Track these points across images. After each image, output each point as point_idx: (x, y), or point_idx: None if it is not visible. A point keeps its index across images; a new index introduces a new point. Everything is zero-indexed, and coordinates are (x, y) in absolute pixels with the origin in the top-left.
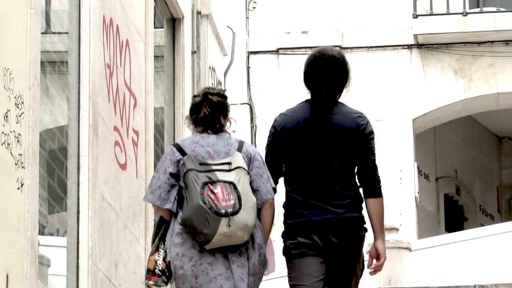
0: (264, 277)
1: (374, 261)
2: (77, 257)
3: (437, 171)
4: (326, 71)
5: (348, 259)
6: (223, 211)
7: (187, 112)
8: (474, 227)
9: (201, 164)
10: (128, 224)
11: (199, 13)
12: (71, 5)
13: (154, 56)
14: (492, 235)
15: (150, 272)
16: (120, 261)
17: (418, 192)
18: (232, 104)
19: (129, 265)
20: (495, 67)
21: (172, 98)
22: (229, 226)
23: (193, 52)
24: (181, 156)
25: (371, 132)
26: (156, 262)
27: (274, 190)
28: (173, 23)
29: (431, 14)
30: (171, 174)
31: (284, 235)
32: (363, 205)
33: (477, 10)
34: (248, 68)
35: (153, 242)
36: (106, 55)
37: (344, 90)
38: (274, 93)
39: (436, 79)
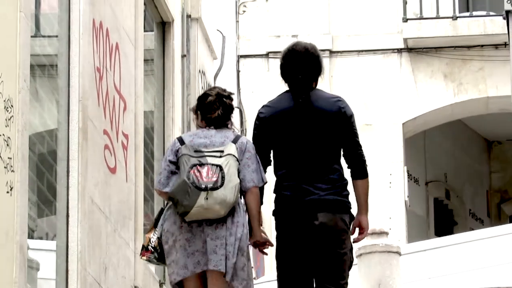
0: (255, 281)
1: (357, 231)
2: (67, 261)
3: (427, 175)
4: (300, 61)
5: (331, 240)
6: (203, 186)
7: (177, 115)
8: (464, 231)
9: (195, 151)
10: (118, 228)
11: (189, 16)
12: (61, 8)
13: (144, 60)
14: (481, 239)
15: (144, 249)
16: (110, 265)
17: (408, 196)
18: None
19: (119, 269)
20: (485, 71)
21: (162, 102)
22: (207, 199)
23: (183, 56)
24: (180, 146)
25: (352, 115)
26: (150, 239)
27: (263, 181)
28: (163, 26)
29: (421, 18)
30: (171, 162)
31: (274, 214)
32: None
33: (467, 14)
34: (238, 72)
35: (153, 223)
36: (96, 58)
37: (319, 79)
38: (264, 97)
39: (425, 83)
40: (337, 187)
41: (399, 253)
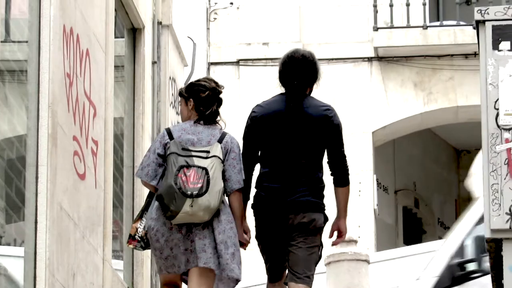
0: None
1: (335, 234)
2: (35, 267)
3: (396, 183)
4: (298, 67)
5: (304, 236)
6: (189, 192)
7: (147, 122)
8: (433, 239)
9: (183, 149)
10: (86, 235)
11: (160, 23)
12: (31, 14)
13: (114, 66)
14: None
15: (131, 237)
16: (78, 271)
17: (377, 205)
18: None
19: (87, 275)
20: (455, 80)
21: (132, 108)
22: (192, 206)
23: (154, 63)
24: (169, 140)
25: (339, 124)
26: (137, 229)
27: (244, 182)
28: (134, 33)
29: (391, 27)
30: (159, 155)
31: (253, 208)
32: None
33: (437, 23)
34: None
35: (139, 213)
36: (66, 64)
37: (315, 86)
38: (234, 104)
39: (396, 92)
40: (312, 189)
41: (367, 261)
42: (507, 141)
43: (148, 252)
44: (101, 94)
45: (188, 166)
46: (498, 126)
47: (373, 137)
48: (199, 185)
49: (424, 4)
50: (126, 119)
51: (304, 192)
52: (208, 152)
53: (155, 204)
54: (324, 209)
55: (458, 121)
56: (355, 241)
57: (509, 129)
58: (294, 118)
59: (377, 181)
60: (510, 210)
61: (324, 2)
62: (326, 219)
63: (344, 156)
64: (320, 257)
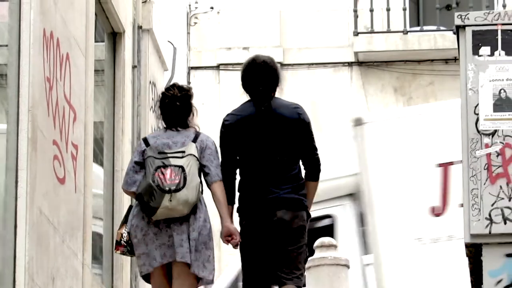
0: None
1: None
2: (14, 271)
3: None
4: (260, 73)
5: (289, 235)
6: (167, 188)
7: (127, 126)
8: None
9: (159, 152)
10: (66, 239)
11: (140, 27)
12: (11, 17)
13: (95, 70)
14: None
15: (117, 243)
16: (57, 275)
17: None
18: None
19: (66, 280)
20: (435, 85)
21: (112, 113)
22: (171, 201)
23: (134, 67)
24: (146, 147)
25: (309, 121)
26: (122, 235)
27: (227, 187)
28: (114, 37)
29: (372, 32)
30: (136, 163)
31: (238, 212)
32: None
33: (417, 28)
34: (188, 83)
35: (123, 220)
36: (46, 68)
37: (278, 89)
38: (214, 108)
39: (376, 97)
40: (295, 186)
41: (347, 266)
42: (487, 146)
43: (127, 256)
44: (81, 98)
45: (165, 166)
46: (478, 131)
47: None
48: (177, 181)
49: (404, 9)
50: (106, 123)
51: (286, 189)
52: (183, 152)
53: (134, 204)
54: (307, 206)
55: None
56: (335, 246)
57: (489, 134)
58: (267, 120)
59: None
60: (489, 215)
61: (305, 7)
62: (308, 215)
63: (317, 150)
64: (307, 254)
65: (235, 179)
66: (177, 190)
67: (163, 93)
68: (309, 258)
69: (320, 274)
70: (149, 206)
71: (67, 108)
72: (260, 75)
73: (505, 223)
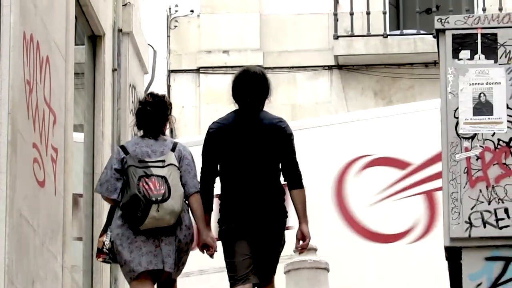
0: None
1: (300, 242)
2: None
3: None
4: (250, 85)
5: (271, 240)
6: (154, 198)
7: (107, 129)
8: None
9: (140, 161)
10: (46, 242)
11: (120, 30)
12: None
13: (75, 73)
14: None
15: (99, 251)
16: (37, 278)
17: None
18: None
19: (46, 282)
20: (415, 89)
21: (92, 116)
22: (158, 211)
23: (114, 70)
24: (125, 155)
25: (291, 134)
26: (104, 243)
27: (205, 194)
28: (94, 40)
29: (352, 36)
30: (116, 170)
31: (219, 222)
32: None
33: (397, 32)
34: (168, 86)
35: (103, 228)
36: (26, 71)
37: (266, 101)
38: (194, 111)
39: (356, 100)
40: (276, 195)
41: (327, 270)
42: (466, 149)
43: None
44: (61, 101)
45: (148, 176)
46: (458, 135)
47: None
48: (162, 191)
49: (384, 13)
50: (86, 126)
51: (267, 196)
52: (163, 161)
53: (118, 213)
54: (287, 212)
55: None
56: (315, 249)
57: (468, 138)
58: (250, 131)
59: None
60: (469, 218)
61: (285, 10)
62: (286, 217)
63: (297, 163)
64: (280, 254)
65: (214, 187)
66: (164, 200)
67: (138, 101)
68: (289, 262)
69: (300, 278)
70: (137, 217)
71: (47, 111)
72: (250, 86)
73: (484, 226)
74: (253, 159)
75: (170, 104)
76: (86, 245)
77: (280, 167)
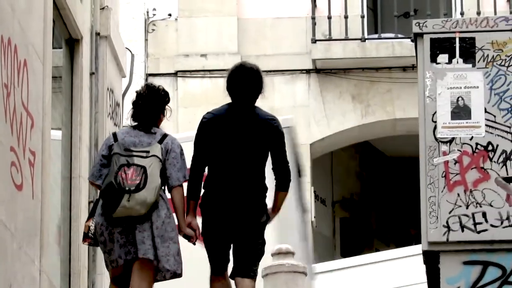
0: None
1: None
2: None
3: (334, 195)
4: (244, 79)
5: (250, 234)
6: (127, 188)
7: (84, 133)
8: (370, 252)
9: (125, 149)
10: (23, 245)
11: (98, 34)
12: None
13: (52, 77)
14: (387, 261)
15: (85, 236)
16: (14, 282)
17: (314, 217)
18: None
19: (24, 286)
20: (393, 93)
21: (69, 119)
22: (129, 201)
23: (92, 73)
24: (113, 142)
25: (283, 133)
26: (89, 228)
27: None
28: (72, 43)
29: (330, 39)
30: (103, 156)
31: (201, 206)
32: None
33: (375, 36)
34: None
35: (89, 212)
36: (4, 75)
37: (260, 96)
38: (172, 115)
39: (333, 104)
40: (257, 189)
41: (305, 274)
42: (444, 154)
43: (84, 263)
44: (38, 105)
45: (129, 165)
46: (436, 139)
47: (311, 149)
48: (137, 182)
49: (362, 17)
50: (64, 130)
51: (250, 191)
52: (148, 152)
53: (100, 201)
54: (267, 207)
55: (395, 133)
56: (292, 253)
57: (446, 142)
58: (242, 125)
59: (315, 193)
60: (447, 222)
61: (263, 14)
62: (267, 216)
63: (287, 163)
64: (263, 252)
65: (202, 175)
66: (137, 190)
67: (135, 92)
68: (267, 265)
69: (277, 282)
70: (109, 204)
71: (25, 115)
72: (244, 81)
73: (462, 230)
74: (242, 152)
75: (166, 94)
76: (64, 248)
77: (265, 163)
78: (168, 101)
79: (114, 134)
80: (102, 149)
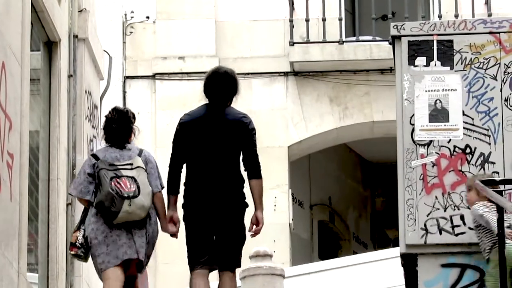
0: None
1: (254, 226)
2: None
3: (312, 198)
4: (219, 83)
5: (232, 225)
6: (126, 195)
7: (62, 135)
8: (348, 254)
9: (110, 165)
10: (1, 248)
11: (76, 36)
12: None
13: (30, 79)
14: (365, 263)
15: (72, 245)
16: None
17: (292, 219)
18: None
19: None
20: (370, 95)
21: (47, 122)
22: (130, 206)
23: (70, 76)
24: (96, 161)
25: (254, 129)
26: (77, 237)
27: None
28: (50, 46)
29: (308, 42)
30: (89, 174)
31: (183, 206)
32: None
33: (353, 39)
34: (124, 92)
35: (77, 225)
36: None
37: (234, 98)
38: (150, 118)
39: (311, 107)
40: (235, 182)
41: (283, 276)
42: (422, 156)
43: (63, 265)
44: (16, 107)
45: (118, 177)
46: (414, 142)
47: (289, 151)
48: (133, 189)
49: (340, 19)
50: (42, 132)
51: (228, 184)
52: (131, 164)
53: (92, 211)
54: (245, 198)
55: (373, 136)
56: (270, 256)
57: (424, 145)
58: (217, 124)
59: (293, 196)
60: (425, 225)
61: (240, 16)
62: (246, 205)
63: (257, 155)
64: (245, 237)
65: (181, 171)
66: (135, 196)
67: (105, 117)
68: (245, 268)
69: (255, 284)
70: (111, 211)
71: (3, 117)
72: (220, 83)
73: (440, 233)
74: (218, 150)
75: (134, 116)
76: (42, 250)
77: (239, 157)
78: (134, 120)
79: (94, 155)
80: (85, 168)
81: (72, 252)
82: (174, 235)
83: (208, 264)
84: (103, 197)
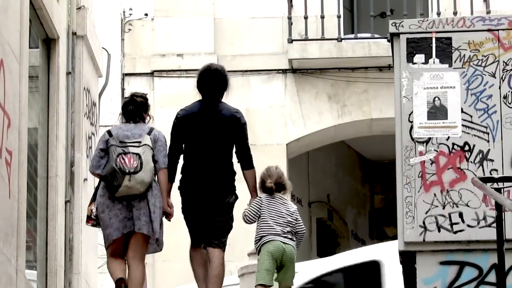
0: None
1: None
2: None
3: (310, 196)
4: (211, 79)
5: (220, 211)
6: (127, 170)
7: (61, 132)
8: None
9: (120, 142)
10: (0, 245)
11: (74, 34)
12: None
13: (29, 77)
14: None
15: (88, 218)
16: None
17: None
18: (106, 126)
19: (0, 285)
20: (369, 93)
21: (46, 119)
22: (130, 181)
23: (68, 73)
24: (109, 137)
25: (245, 123)
26: (92, 210)
27: (170, 168)
28: (48, 43)
29: (306, 39)
30: (101, 149)
31: (180, 193)
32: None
33: (352, 36)
34: (122, 90)
35: (91, 198)
36: None
37: (225, 94)
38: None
39: (310, 104)
40: (227, 174)
41: None
42: (421, 154)
43: (61, 262)
44: (15, 105)
45: (125, 153)
46: (412, 139)
47: (287, 149)
48: (135, 165)
49: (338, 17)
50: (40, 130)
51: (220, 176)
52: (140, 142)
53: (101, 185)
54: (235, 189)
55: (372, 133)
56: None
57: (423, 142)
58: (210, 118)
59: (291, 193)
60: (424, 223)
61: (239, 14)
62: (236, 197)
63: (249, 148)
64: (231, 227)
65: (178, 162)
66: (135, 172)
67: (125, 98)
68: (243, 265)
69: (253, 281)
70: (113, 185)
71: (1, 114)
72: (211, 80)
73: (439, 231)
74: (212, 142)
75: (148, 102)
76: (41, 248)
77: (232, 151)
78: (149, 106)
79: (108, 131)
80: (99, 144)
81: (89, 224)
82: (168, 217)
83: (203, 242)
84: (107, 172)
